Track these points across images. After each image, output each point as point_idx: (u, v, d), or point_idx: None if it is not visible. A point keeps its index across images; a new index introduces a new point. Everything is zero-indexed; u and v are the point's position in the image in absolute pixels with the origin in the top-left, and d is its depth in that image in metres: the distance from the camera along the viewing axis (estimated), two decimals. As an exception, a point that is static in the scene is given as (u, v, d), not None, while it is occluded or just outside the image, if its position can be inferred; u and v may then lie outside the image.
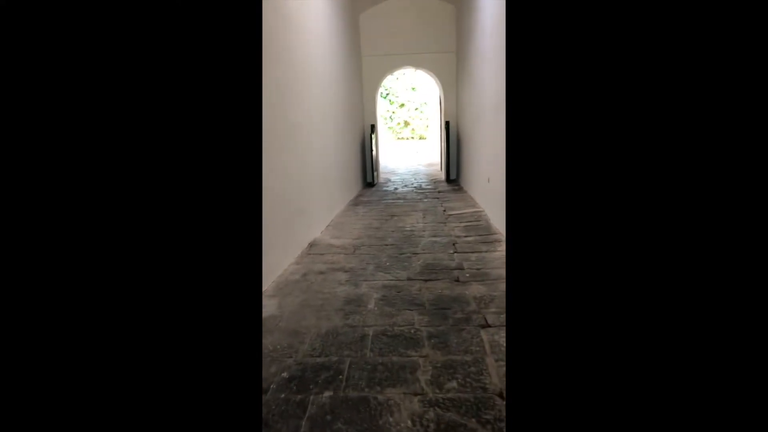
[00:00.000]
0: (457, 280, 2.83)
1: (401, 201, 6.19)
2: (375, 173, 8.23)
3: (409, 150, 16.92)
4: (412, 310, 2.38)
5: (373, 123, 8.32)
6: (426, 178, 8.96)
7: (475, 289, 2.65)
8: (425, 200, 6.18)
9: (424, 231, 4.28)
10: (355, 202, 6.21)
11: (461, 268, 3.06)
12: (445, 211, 5.32)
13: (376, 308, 2.44)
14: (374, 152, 8.17)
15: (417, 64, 8.21)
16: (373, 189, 7.61)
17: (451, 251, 3.52)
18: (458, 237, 3.98)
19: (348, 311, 2.42)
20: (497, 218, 4.27)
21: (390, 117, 21.80)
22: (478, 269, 3.04)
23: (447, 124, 8.11)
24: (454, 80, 8.16)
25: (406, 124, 21.13)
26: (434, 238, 3.96)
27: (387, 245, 3.78)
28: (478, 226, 4.40)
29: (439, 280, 2.85)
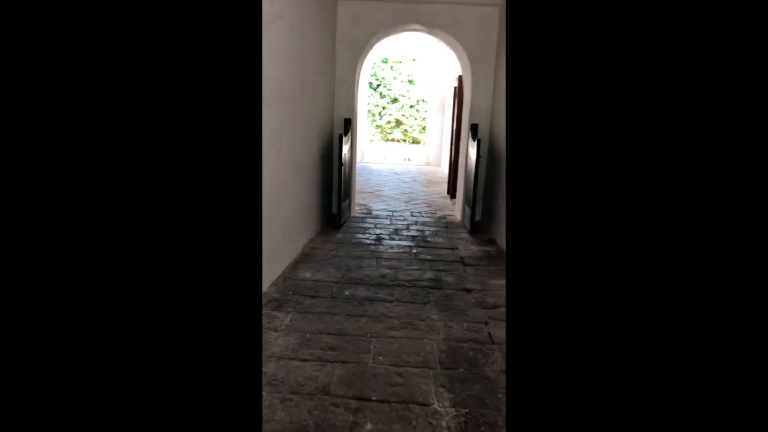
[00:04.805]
0: None
1: (386, 297, 2.74)
2: (346, 202, 4.75)
3: (399, 155, 13.47)
4: None
5: (349, 117, 4.84)
6: (428, 211, 5.53)
7: None
8: (438, 295, 2.75)
9: None
10: (280, 302, 2.73)
11: None
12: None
13: None
14: (344, 167, 4.65)
15: (429, 23, 4.75)
16: (338, 236, 4.15)
17: None
18: None
19: None
20: None
21: (379, 114, 18.12)
22: None
23: (474, 128, 4.68)
24: (494, 53, 4.74)
25: (398, 123, 17.52)
26: None
27: None
28: None
29: None
